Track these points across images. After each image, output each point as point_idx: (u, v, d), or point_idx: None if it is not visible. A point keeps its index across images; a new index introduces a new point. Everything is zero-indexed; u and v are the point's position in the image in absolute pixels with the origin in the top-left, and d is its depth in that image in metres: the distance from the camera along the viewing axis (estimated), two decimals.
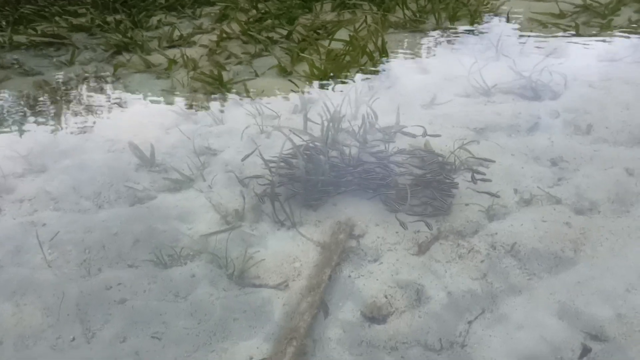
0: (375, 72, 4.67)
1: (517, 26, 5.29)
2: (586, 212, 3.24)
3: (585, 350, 2.55)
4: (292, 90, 4.54)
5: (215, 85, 4.60)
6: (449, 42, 5.11)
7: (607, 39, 4.94)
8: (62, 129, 4.32)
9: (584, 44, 4.90)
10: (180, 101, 4.56)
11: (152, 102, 4.60)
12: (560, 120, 3.95)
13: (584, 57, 4.65)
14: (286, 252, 3.16)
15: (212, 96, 4.58)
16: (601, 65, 4.52)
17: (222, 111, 4.36)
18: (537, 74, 4.41)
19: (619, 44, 4.79)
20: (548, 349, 2.55)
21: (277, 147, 3.68)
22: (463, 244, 3.13)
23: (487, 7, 5.60)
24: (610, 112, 3.93)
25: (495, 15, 5.44)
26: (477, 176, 3.42)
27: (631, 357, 2.49)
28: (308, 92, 4.51)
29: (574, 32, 5.07)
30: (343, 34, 5.20)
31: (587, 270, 2.89)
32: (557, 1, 5.52)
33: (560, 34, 5.10)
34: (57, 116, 4.48)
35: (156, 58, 5.16)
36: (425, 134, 3.79)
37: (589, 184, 3.40)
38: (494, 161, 3.56)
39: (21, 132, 4.30)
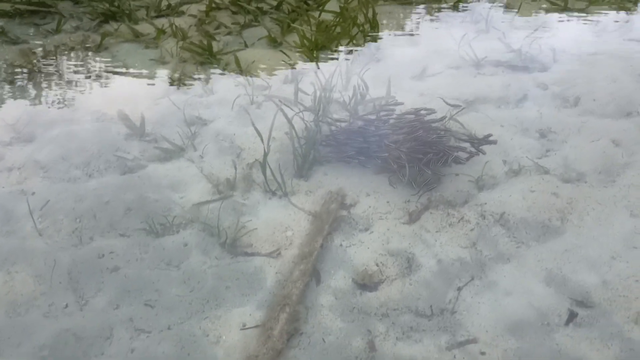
0: (366, 44, 4.66)
1: (507, 0, 5.30)
2: (573, 182, 3.28)
3: (572, 316, 2.60)
4: (283, 61, 4.51)
5: (205, 55, 4.56)
6: (439, 14, 5.09)
7: (595, 13, 4.96)
8: (49, 98, 4.27)
9: (572, 19, 4.92)
10: (169, 71, 4.51)
11: (141, 72, 4.56)
12: (548, 92, 3.98)
13: (573, 31, 4.67)
14: (278, 221, 3.18)
15: (202, 66, 4.54)
16: (589, 39, 4.54)
17: (212, 81, 4.34)
18: (527, 47, 4.43)
19: (607, 19, 4.82)
20: (535, 314, 2.61)
21: (269, 117, 3.69)
22: (453, 213, 3.17)
23: None
24: (598, 85, 3.96)
25: None
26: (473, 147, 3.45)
27: (615, 321, 2.55)
28: (298, 63, 4.49)
29: (563, 7, 5.08)
30: (334, 5, 5.17)
31: (574, 238, 2.94)
32: None
33: (550, 8, 5.11)
34: (44, 85, 4.42)
35: (144, 27, 5.09)
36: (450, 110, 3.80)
37: (576, 155, 3.44)
38: (493, 141, 3.57)
39: (8, 100, 4.25)
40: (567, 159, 3.43)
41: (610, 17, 4.87)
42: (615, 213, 3.05)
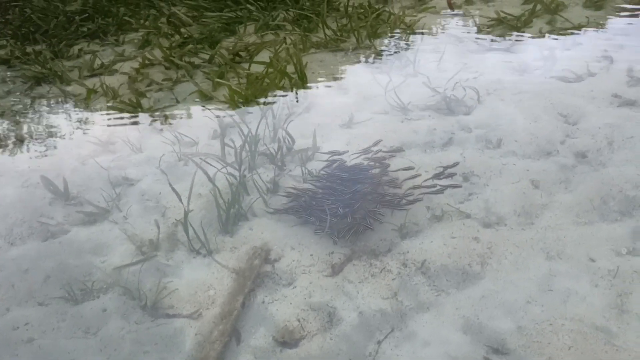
0: (296, 94, 4.69)
1: (434, 42, 5.37)
2: (494, 226, 3.32)
3: None
4: (213, 116, 4.51)
5: (135, 113, 4.57)
6: (368, 60, 5.15)
7: (520, 52, 5.07)
8: None
9: (498, 58, 5.01)
10: (98, 131, 4.49)
11: (70, 133, 4.55)
12: (472, 135, 4.02)
13: (497, 71, 4.73)
14: (201, 280, 3.16)
15: (131, 125, 4.54)
16: (513, 78, 4.62)
17: (140, 139, 4.31)
18: (452, 89, 4.49)
19: (530, 56, 4.91)
20: None
21: (197, 173, 3.66)
22: (376, 263, 3.17)
23: (406, 24, 5.65)
24: (520, 125, 4.03)
25: (414, 32, 5.51)
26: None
27: None
28: (228, 117, 4.49)
29: (489, 46, 5.18)
30: (267, 56, 5.20)
31: (492, 284, 2.96)
32: (473, 16, 5.66)
33: (476, 48, 5.20)
34: None
35: (76, 88, 5.08)
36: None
37: (497, 198, 3.48)
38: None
39: None
40: (488, 202, 3.46)
41: (533, 55, 4.95)
42: (532, 256, 3.08)
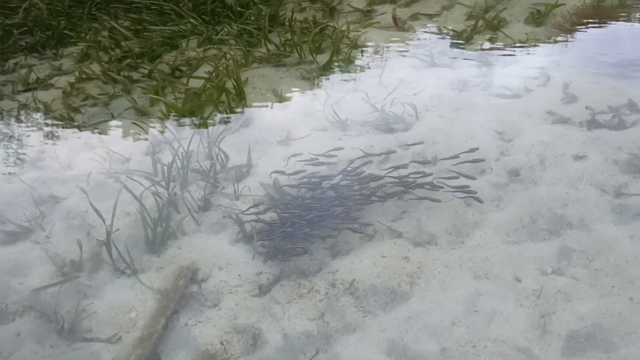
0: (233, 110, 4.61)
1: (376, 57, 5.33)
2: (424, 245, 3.27)
3: None
4: (146, 132, 4.40)
5: (66, 129, 4.43)
6: (310, 75, 5.09)
7: (460, 68, 5.05)
8: None
9: (439, 74, 4.97)
10: (27, 148, 4.34)
11: None
12: (409, 152, 3.98)
13: (437, 87, 4.69)
14: (123, 302, 3.06)
15: (62, 141, 4.40)
16: (452, 94, 4.59)
17: (70, 156, 4.16)
18: (391, 106, 4.45)
19: (470, 73, 4.90)
20: None
21: (126, 191, 3.56)
22: (304, 283, 3.11)
23: (349, 39, 5.60)
24: (456, 142, 3.99)
25: (357, 47, 5.46)
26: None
27: None
28: (163, 134, 4.40)
29: (430, 62, 5.15)
30: (209, 71, 5.09)
31: (419, 305, 2.91)
32: (417, 32, 5.66)
33: (418, 64, 5.18)
34: None
35: (8, 103, 4.92)
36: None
37: (429, 217, 3.44)
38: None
39: None
40: (420, 221, 3.42)
41: (473, 71, 4.93)
42: (460, 276, 3.05)
